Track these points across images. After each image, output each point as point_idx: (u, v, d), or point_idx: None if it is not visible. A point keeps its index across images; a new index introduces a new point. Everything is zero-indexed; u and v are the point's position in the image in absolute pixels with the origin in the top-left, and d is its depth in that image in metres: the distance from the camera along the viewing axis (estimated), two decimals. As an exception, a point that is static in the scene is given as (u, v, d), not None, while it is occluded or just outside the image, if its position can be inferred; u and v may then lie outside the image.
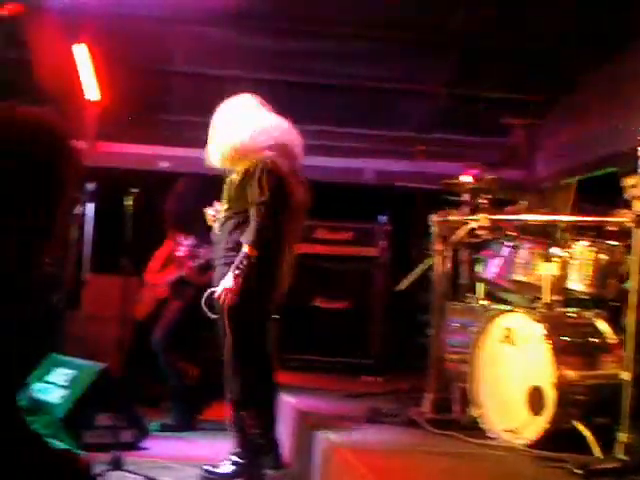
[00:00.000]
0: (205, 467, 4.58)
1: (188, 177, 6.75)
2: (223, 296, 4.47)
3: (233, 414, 4.60)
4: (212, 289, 4.59)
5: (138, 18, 7.32)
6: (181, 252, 6.49)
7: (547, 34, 7.36)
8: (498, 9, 6.96)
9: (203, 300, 4.67)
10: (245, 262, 4.44)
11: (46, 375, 5.61)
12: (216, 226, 4.82)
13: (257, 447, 4.59)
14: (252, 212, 4.52)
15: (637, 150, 4.13)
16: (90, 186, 6.33)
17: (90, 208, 6.37)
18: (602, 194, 5.60)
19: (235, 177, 4.66)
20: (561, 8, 6.93)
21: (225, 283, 4.47)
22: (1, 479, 1.64)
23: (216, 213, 4.86)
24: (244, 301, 4.48)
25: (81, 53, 7.68)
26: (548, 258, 4.79)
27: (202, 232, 6.08)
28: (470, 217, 5.25)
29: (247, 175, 4.59)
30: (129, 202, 5.14)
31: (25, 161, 1.77)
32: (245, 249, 4.47)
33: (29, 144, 1.79)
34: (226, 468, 4.55)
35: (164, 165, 8.68)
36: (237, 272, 4.44)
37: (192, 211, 6.00)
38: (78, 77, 7.83)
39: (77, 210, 6.18)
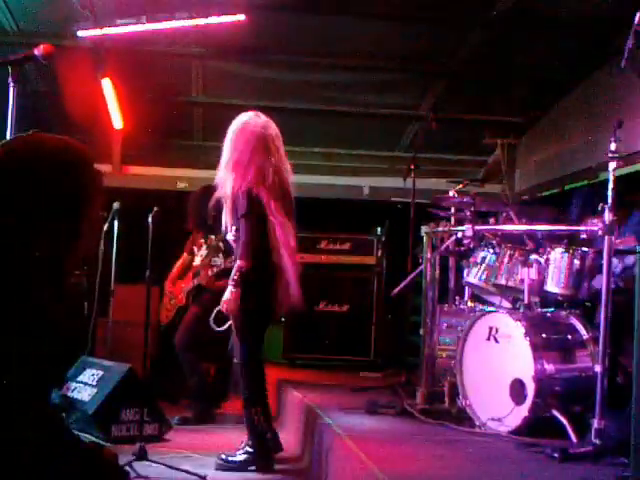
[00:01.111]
0: (221, 456, 4.59)
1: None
2: (225, 308, 4.52)
3: (245, 410, 4.63)
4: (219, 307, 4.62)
5: (159, 54, 7.38)
6: (198, 260, 6.51)
7: (525, 63, 7.40)
8: (482, 42, 7.00)
9: (212, 317, 4.70)
10: (238, 274, 4.48)
11: (77, 375, 5.63)
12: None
13: (265, 438, 4.61)
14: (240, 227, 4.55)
15: (608, 165, 4.15)
16: (116, 205, 6.35)
17: (116, 225, 6.39)
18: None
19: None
20: (538, 40, 6.97)
21: (225, 296, 4.52)
22: (38, 471, 1.64)
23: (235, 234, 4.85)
24: (249, 310, 4.54)
25: (106, 86, 7.73)
26: (527, 264, 4.80)
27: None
28: (456, 228, 5.26)
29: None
30: (151, 219, 5.15)
31: (53, 182, 1.78)
32: (238, 262, 4.51)
33: (57, 168, 1.80)
34: (240, 457, 4.56)
35: (182, 185, 8.71)
36: (232, 284, 4.48)
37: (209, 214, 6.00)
38: (105, 107, 7.88)
39: (104, 227, 6.20)
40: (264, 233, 4.53)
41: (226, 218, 4.70)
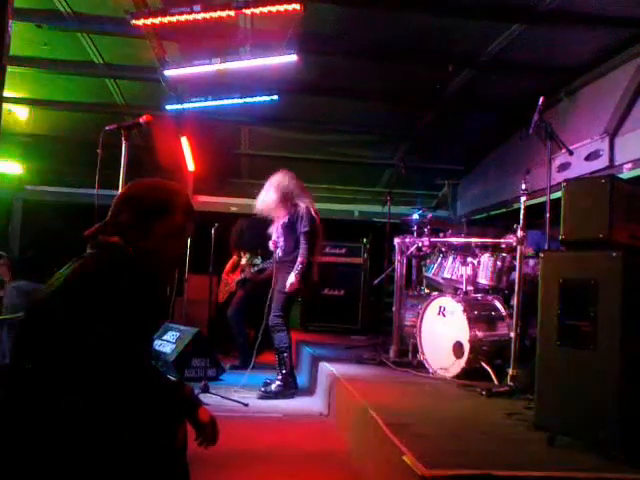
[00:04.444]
0: (261, 388, 4.60)
1: (244, 217, 6.78)
2: (290, 288, 4.56)
3: (277, 357, 4.63)
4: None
5: (219, 121, 7.43)
6: (244, 261, 6.53)
7: (464, 129, 7.43)
8: (434, 116, 7.03)
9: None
10: (300, 267, 4.55)
11: (162, 335, 5.64)
12: (278, 251, 4.79)
13: (290, 376, 4.62)
14: (300, 238, 4.60)
15: (519, 199, 4.17)
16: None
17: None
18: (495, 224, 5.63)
19: (285, 221, 4.69)
20: (472, 114, 7.00)
21: (290, 280, 4.56)
22: (143, 392, 1.63)
23: (274, 243, 4.85)
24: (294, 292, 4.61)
25: (184, 142, 7.79)
26: (465, 264, 4.81)
27: (255, 249, 6.14)
28: (418, 239, 5.26)
29: (293, 218, 4.66)
30: (213, 231, 5.17)
31: (156, 203, 1.81)
32: (300, 259, 4.56)
33: (158, 197, 1.82)
34: (273, 388, 4.57)
35: (234, 209, 8.74)
36: (297, 274, 4.54)
37: (247, 236, 6.06)
38: (182, 157, 7.94)
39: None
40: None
41: (276, 232, 4.76)
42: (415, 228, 5.53)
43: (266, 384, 4.63)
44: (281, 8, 4.55)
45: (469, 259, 4.78)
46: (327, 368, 4.68)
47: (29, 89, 6.97)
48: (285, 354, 4.59)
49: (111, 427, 1.54)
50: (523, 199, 4.10)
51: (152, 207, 1.79)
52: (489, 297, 4.72)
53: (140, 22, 4.82)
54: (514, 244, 4.17)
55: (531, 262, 4.69)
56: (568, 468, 2.28)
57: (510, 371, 3.88)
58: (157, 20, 4.79)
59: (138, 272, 1.68)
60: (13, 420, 1.51)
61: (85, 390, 1.52)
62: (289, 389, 4.58)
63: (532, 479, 2.17)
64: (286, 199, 4.69)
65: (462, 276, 4.78)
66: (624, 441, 2.35)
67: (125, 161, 3.11)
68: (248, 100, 6.39)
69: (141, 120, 3.11)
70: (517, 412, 3.18)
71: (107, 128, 3.05)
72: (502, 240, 4.54)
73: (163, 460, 1.67)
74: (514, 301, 4.05)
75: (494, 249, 4.75)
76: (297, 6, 4.51)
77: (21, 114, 7.52)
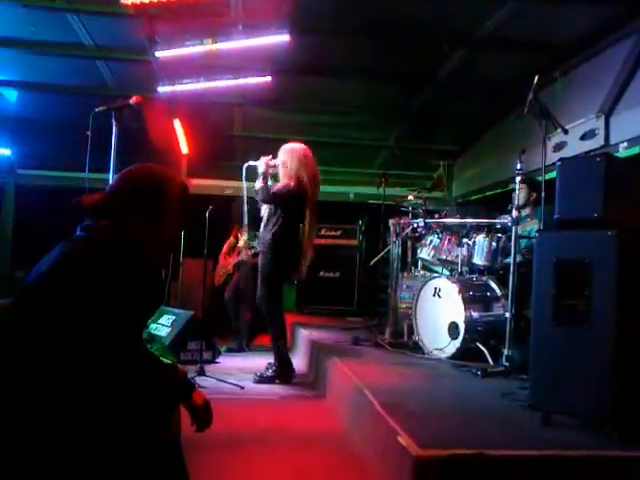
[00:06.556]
0: (257, 373, 4.59)
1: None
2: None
3: (272, 342, 4.61)
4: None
5: (212, 103, 7.34)
6: (240, 243, 6.51)
7: (459, 110, 7.37)
8: (428, 96, 6.98)
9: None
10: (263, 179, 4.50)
11: (158, 319, 5.64)
12: (261, 228, 4.73)
13: (286, 361, 4.61)
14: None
15: (514, 179, 4.15)
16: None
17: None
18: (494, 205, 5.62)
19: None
20: (467, 94, 6.94)
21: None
22: (138, 379, 1.63)
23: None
24: (273, 273, 4.50)
25: (177, 124, 7.71)
26: (460, 245, 4.80)
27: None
28: (413, 221, 5.25)
29: None
30: (207, 214, 5.14)
31: (151, 190, 1.79)
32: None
33: (154, 182, 1.82)
34: (268, 373, 4.57)
35: (228, 192, 8.69)
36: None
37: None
38: (175, 139, 7.87)
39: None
40: (296, 226, 4.52)
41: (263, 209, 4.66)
42: (410, 209, 5.50)
43: (265, 368, 4.62)
44: (272, -13, 4.48)
45: (464, 240, 4.78)
46: (323, 350, 4.68)
47: (18, 72, 6.87)
48: (279, 341, 4.56)
49: (111, 420, 1.54)
50: (518, 179, 4.08)
51: (147, 193, 1.78)
52: (484, 278, 4.71)
53: (130, 1, 4.74)
54: (509, 224, 4.16)
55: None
56: (562, 447, 2.29)
57: (505, 351, 3.89)
58: (147, 0, 4.72)
59: (130, 258, 1.66)
60: (13, 419, 1.49)
61: (85, 383, 1.51)
62: (285, 374, 4.56)
63: (526, 458, 2.18)
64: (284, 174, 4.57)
65: (457, 257, 4.78)
66: (618, 419, 2.36)
67: (116, 144, 3.07)
68: (241, 81, 6.31)
69: (131, 101, 3.06)
70: (512, 392, 3.20)
71: (96, 109, 3.00)
72: (497, 220, 4.53)
73: (158, 446, 1.67)
74: (509, 282, 4.05)
75: (489, 229, 4.74)
76: (288, -16, 4.45)
77: (10, 97, 7.44)
